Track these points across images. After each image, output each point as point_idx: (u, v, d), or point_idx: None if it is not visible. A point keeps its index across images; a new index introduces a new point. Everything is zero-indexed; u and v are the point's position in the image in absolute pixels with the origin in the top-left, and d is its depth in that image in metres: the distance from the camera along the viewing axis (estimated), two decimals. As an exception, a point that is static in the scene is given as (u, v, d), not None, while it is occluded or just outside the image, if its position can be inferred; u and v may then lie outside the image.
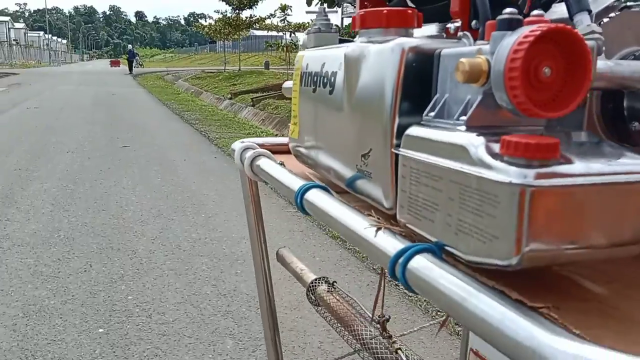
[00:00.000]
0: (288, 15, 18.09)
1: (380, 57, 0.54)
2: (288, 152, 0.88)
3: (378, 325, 1.11)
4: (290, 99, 0.90)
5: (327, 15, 0.80)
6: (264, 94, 11.37)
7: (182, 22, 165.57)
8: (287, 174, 0.77)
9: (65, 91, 16.80)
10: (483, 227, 0.38)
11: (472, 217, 0.39)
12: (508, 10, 0.40)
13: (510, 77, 0.37)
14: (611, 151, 0.40)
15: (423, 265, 0.43)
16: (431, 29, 0.81)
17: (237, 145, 1.00)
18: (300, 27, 18.99)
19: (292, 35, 18.88)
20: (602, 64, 0.45)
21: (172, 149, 6.74)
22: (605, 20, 0.50)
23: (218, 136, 7.72)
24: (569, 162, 0.36)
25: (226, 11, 20.36)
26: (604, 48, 0.45)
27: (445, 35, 0.56)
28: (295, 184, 0.71)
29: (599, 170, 0.36)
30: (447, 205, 0.42)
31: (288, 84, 1.07)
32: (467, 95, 0.44)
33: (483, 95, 0.42)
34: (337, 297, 1.22)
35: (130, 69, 30.87)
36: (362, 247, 0.52)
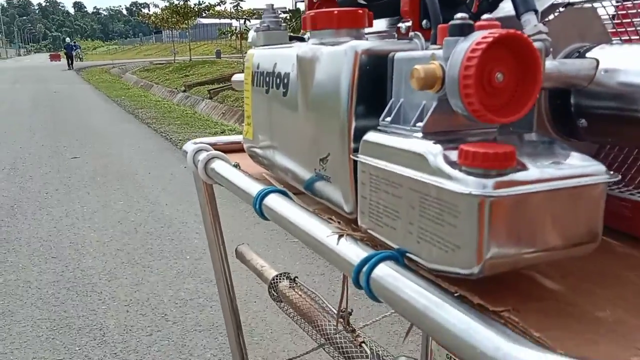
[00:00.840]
0: (241, 1, 17.45)
1: (334, 60, 0.53)
2: (242, 150, 0.87)
3: (341, 320, 1.12)
4: (241, 92, 0.88)
5: (275, 12, 0.78)
6: (221, 85, 10.49)
7: (124, 12, 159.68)
8: (243, 178, 0.75)
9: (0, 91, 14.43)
10: (444, 236, 0.38)
11: (433, 226, 0.39)
12: (459, 15, 0.40)
13: (464, 84, 0.37)
14: (562, 153, 0.41)
15: (387, 273, 0.42)
16: (380, 24, 0.81)
17: (189, 147, 0.97)
18: (253, 13, 18.45)
19: (247, 22, 18.24)
20: (549, 64, 0.46)
21: (131, 158, 5.64)
22: (550, 17, 0.51)
23: (181, 138, 6.62)
24: (524, 168, 0.37)
25: None
26: (551, 49, 0.46)
27: (396, 35, 0.56)
28: (253, 188, 0.70)
29: (553, 175, 0.37)
30: (408, 213, 0.42)
31: (238, 76, 1.04)
32: (422, 100, 0.44)
33: (438, 101, 0.42)
34: (300, 293, 1.22)
35: (70, 64, 27.80)
36: (325, 255, 0.52)
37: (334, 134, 0.54)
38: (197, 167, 0.90)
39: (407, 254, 0.43)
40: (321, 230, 0.53)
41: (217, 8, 19.84)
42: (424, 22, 0.55)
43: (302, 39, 0.81)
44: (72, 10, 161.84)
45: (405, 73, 0.46)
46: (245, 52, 0.83)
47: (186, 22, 20.03)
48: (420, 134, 0.42)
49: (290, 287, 1.24)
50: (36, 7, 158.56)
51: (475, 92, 0.37)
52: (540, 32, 0.46)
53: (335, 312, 1.11)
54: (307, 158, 0.62)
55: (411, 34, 0.54)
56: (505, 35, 0.37)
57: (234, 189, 0.76)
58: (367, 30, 0.59)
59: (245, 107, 0.83)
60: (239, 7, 17.45)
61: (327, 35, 0.57)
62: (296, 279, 1.25)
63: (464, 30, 0.39)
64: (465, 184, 0.35)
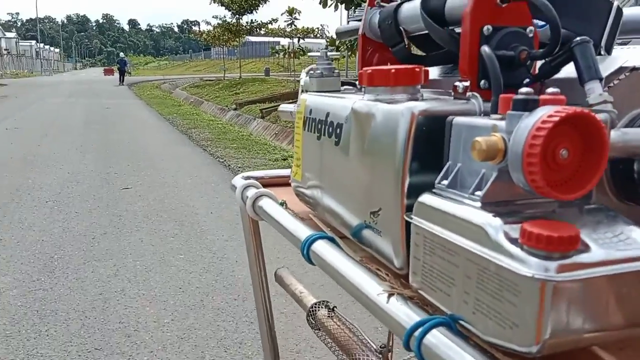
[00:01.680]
0: (296, 19, 17.31)
1: (390, 118, 0.54)
2: (288, 184, 0.88)
3: (380, 355, 1.11)
4: (285, 121, 0.89)
5: (329, 59, 0.80)
6: (273, 104, 10.19)
7: (176, 29, 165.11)
8: (291, 220, 0.77)
9: (54, 105, 14.40)
10: (502, 312, 0.38)
11: (490, 300, 0.39)
12: (524, 90, 0.40)
13: (528, 162, 0.37)
14: (626, 227, 0.40)
15: (440, 341, 0.42)
16: (434, 72, 0.82)
17: (238, 182, 1.00)
18: (307, 32, 18.38)
19: (300, 40, 18.07)
20: (613, 134, 0.46)
21: (190, 191, 4.96)
22: (615, 82, 0.51)
23: (240, 165, 6.13)
24: (587, 249, 0.36)
25: (225, 16, 19.72)
26: (616, 120, 0.45)
27: (453, 94, 0.56)
28: (302, 232, 0.70)
29: (618, 257, 0.36)
30: (464, 282, 0.42)
31: (285, 107, 1.06)
32: (481, 168, 0.44)
33: (499, 172, 0.42)
34: (338, 323, 1.21)
35: (122, 79, 26.98)
36: (374, 313, 0.52)
37: (388, 190, 0.54)
38: (245, 203, 0.92)
39: (461, 321, 0.43)
40: (371, 286, 0.53)
41: (270, 26, 19.85)
42: (482, 82, 0.55)
43: (353, 84, 0.83)
44: (126, 27, 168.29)
45: (465, 139, 0.47)
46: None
47: (237, 39, 20.16)
48: (479, 204, 0.42)
49: (328, 316, 1.24)
50: (94, 24, 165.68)
51: (539, 170, 0.37)
52: (605, 102, 0.46)
53: (374, 346, 1.10)
54: (357, 208, 0.63)
55: (469, 94, 0.54)
56: (572, 114, 0.37)
57: (281, 230, 0.77)
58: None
59: (295, 149, 0.84)
60: (293, 25, 17.35)
61: (383, 91, 0.58)
62: (335, 308, 1.24)
63: (528, 106, 0.39)
64: (528, 266, 0.35)
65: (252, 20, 19.64)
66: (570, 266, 0.35)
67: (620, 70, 0.51)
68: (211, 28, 20.93)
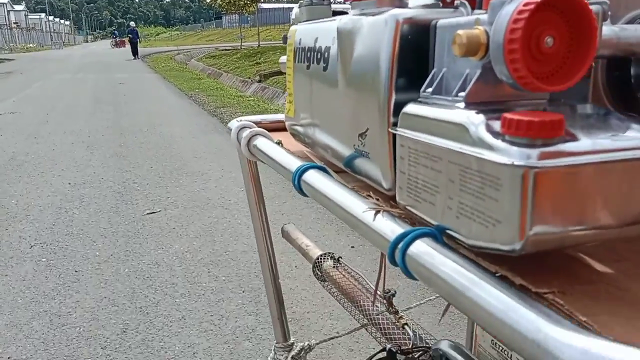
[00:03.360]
0: None
1: (374, 30, 0.51)
2: (286, 129, 0.86)
3: (384, 301, 1.11)
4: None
5: (319, -14, 0.76)
6: None
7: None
8: (284, 154, 0.75)
9: (61, 82, 12.42)
10: (485, 211, 0.36)
11: (473, 200, 0.37)
12: (506, -24, 0.37)
13: (510, 49, 0.35)
14: (619, 124, 0.38)
15: (423, 251, 0.41)
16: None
17: (233, 124, 0.98)
18: None
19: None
20: (607, 29, 0.43)
21: (239, 213, 3.22)
22: (612, -19, 0.47)
23: None
24: (574, 138, 0.34)
25: None
26: (609, 12, 0.42)
27: (441, 4, 0.53)
28: (293, 164, 0.69)
29: (607, 147, 0.34)
30: (447, 188, 0.40)
31: (284, 58, 1.03)
32: (465, 69, 0.41)
33: (482, 69, 0.39)
34: (343, 273, 1.21)
35: (135, 52, 22.65)
36: (361, 231, 0.50)
37: (373, 108, 0.52)
38: (240, 143, 0.90)
39: (446, 231, 0.41)
40: (358, 206, 0.52)
41: None
42: (471, -11, 0.52)
43: (345, 13, 0.79)
44: None
45: (449, 42, 0.44)
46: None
47: (254, 5, 18.95)
48: (462, 104, 0.40)
49: (334, 266, 1.24)
50: None
51: (521, 58, 0.35)
52: (598, -5, 0.42)
53: (379, 293, 1.09)
54: (346, 134, 0.61)
55: (457, 2, 0.51)
56: (556, -5, 0.34)
57: (274, 165, 0.76)
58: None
59: (287, 85, 0.82)
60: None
61: (369, 5, 0.55)
62: (340, 259, 1.24)
63: (511, -8, 0.37)
64: (508, 154, 0.33)
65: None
66: (554, 153, 0.33)
67: None
68: None
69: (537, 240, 0.34)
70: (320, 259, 1.24)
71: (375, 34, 0.51)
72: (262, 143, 0.85)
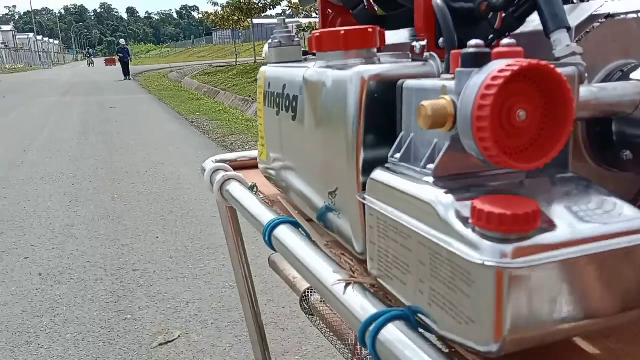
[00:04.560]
0: None
1: (340, 86, 0.48)
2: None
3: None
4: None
5: (287, 27, 0.73)
6: None
7: (175, 15, 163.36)
8: (256, 204, 0.71)
9: (45, 107, 10.73)
10: (457, 305, 0.32)
11: (445, 290, 0.33)
12: (473, 42, 0.34)
13: (478, 126, 0.32)
14: (601, 200, 0.35)
15: (396, 337, 0.37)
16: (402, 35, 0.75)
17: (208, 165, 0.94)
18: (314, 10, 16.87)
19: (309, 16, 16.47)
20: (585, 91, 0.40)
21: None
22: (587, 32, 0.44)
23: None
24: (551, 227, 0.31)
25: None
26: (586, 74, 0.39)
27: (410, 55, 0.50)
28: (264, 217, 0.65)
29: (588, 235, 0.31)
30: (418, 270, 0.37)
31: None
32: (434, 137, 0.38)
33: (451, 140, 0.36)
34: (331, 307, 1.17)
35: (126, 72, 19.77)
36: (331, 304, 0.47)
37: (342, 168, 0.49)
38: (213, 187, 0.86)
39: (419, 314, 0.38)
40: (329, 275, 0.48)
41: (285, 2, 17.48)
42: (441, 40, 0.49)
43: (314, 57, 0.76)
44: (125, 16, 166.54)
45: (415, 104, 0.41)
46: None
47: (247, 20, 17.97)
48: (430, 178, 0.37)
49: (321, 300, 1.20)
50: (92, 14, 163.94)
51: (491, 136, 0.31)
52: (573, 54, 0.39)
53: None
54: (317, 189, 0.57)
55: (426, 54, 0.48)
56: (527, 67, 0.31)
57: (246, 215, 0.72)
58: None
59: (259, 127, 0.78)
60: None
61: (334, 57, 0.52)
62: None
63: (478, 61, 0.34)
64: (479, 251, 0.29)
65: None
66: (530, 249, 0.29)
67: (593, 18, 0.44)
68: (219, 9, 18.67)
69: (516, 340, 0.30)
70: (308, 292, 1.20)
71: (340, 90, 0.48)
72: (235, 189, 0.81)
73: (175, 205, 3.69)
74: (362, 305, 0.42)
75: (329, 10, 0.73)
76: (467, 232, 0.31)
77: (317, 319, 1.19)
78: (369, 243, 0.44)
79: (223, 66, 18.18)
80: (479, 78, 0.32)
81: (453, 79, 0.37)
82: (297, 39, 0.73)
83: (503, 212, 0.29)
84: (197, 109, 9.12)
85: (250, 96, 9.36)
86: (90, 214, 3.56)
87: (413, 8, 0.54)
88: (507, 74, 0.31)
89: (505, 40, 0.35)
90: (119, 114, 8.93)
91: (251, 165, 1.04)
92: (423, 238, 0.35)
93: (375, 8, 0.69)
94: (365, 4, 0.65)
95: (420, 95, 0.40)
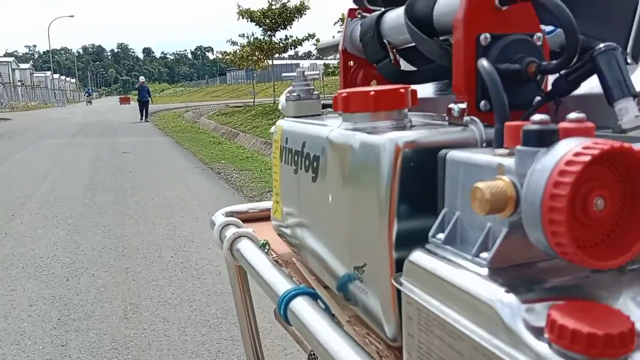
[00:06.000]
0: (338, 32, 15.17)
1: (370, 151, 0.44)
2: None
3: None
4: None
5: (306, 79, 0.70)
6: None
7: (189, 55, 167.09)
8: (269, 269, 0.66)
9: (52, 150, 9.49)
10: None
11: (509, 412, 0.28)
12: (538, 118, 0.30)
13: (551, 219, 0.27)
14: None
15: None
16: (428, 89, 0.71)
17: (217, 219, 0.89)
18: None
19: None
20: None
21: None
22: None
23: None
24: (645, 344, 0.25)
25: (253, 34, 16.73)
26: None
27: (447, 119, 0.46)
28: (280, 286, 0.60)
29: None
30: (471, 379, 0.31)
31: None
32: (486, 220, 0.33)
33: (509, 226, 0.31)
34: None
35: (144, 114, 16.89)
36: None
37: (371, 240, 0.44)
38: (222, 245, 0.81)
39: None
40: (356, 364, 0.42)
41: (307, 42, 16.34)
42: (482, 103, 0.44)
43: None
44: (141, 55, 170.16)
45: (463, 181, 0.36)
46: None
47: (266, 60, 17.04)
48: (485, 270, 0.32)
49: None
50: (109, 53, 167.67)
51: (567, 231, 0.26)
52: (643, 126, 0.35)
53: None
54: (340, 257, 0.52)
55: (466, 118, 0.43)
56: (609, 151, 0.26)
57: (258, 280, 0.67)
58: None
59: (273, 183, 0.74)
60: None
61: (363, 118, 0.47)
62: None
63: (545, 139, 0.29)
64: (562, 379, 0.24)
65: (286, 36, 16.26)
66: (625, 378, 0.24)
67: None
68: (238, 48, 17.48)
69: None
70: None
71: (371, 156, 0.43)
72: (246, 247, 0.76)
73: (224, 325, 2.19)
74: (399, 410, 0.36)
75: (350, 62, 0.70)
76: (542, 349, 0.26)
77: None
78: (407, 336, 0.38)
79: (240, 106, 17.12)
80: (549, 161, 0.28)
81: (509, 154, 0.32)
82: (317, 93, 0.69)
83: (593, 331, 0.24)
84: (221, 155, 8.01)
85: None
86: (87, 355, 2.08)
87: (444, 64, 0.50)
88: (587, 158, 0.26)
89: (574, 115, 0.30)
90: (134, 161, 7.76)
91: (263, 217, 0.99)
92: (481, 346, 0.29)
93: (400, 62, 0.66)
94: (392, 58, 0.62)
95: (469, 171, 0.35)
